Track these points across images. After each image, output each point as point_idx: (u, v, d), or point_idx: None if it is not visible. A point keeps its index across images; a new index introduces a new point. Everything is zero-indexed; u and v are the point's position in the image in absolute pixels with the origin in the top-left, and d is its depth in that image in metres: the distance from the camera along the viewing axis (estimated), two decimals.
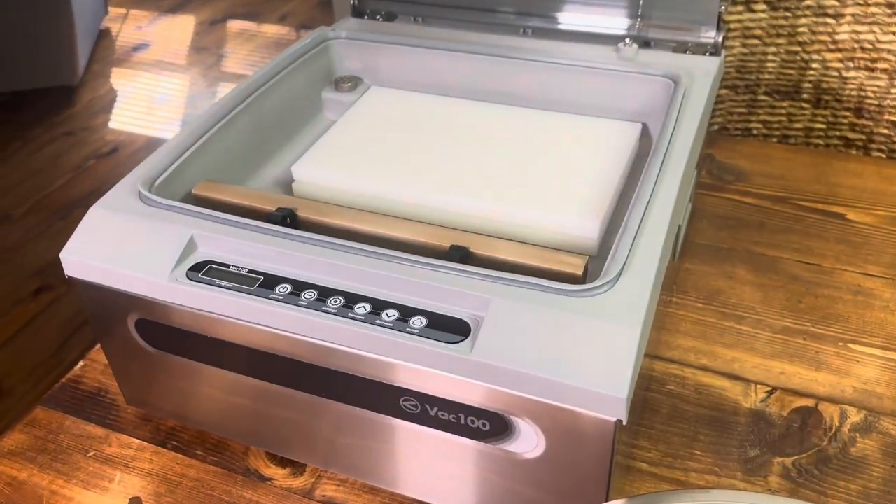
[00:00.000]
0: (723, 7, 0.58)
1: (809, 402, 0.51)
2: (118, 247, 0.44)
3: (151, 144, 2.06)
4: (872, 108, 0.84)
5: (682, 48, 0.61)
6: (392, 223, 0.45)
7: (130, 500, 0.47)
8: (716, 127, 0.92)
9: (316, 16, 2.67)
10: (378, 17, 0.69)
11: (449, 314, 0.39)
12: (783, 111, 0.88)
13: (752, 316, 0.57)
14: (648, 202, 0.43)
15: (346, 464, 0.47)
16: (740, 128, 0.91)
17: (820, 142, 0.89)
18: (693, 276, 0.61)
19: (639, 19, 0.62)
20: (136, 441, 0.51)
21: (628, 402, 0.35)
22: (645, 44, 0.62)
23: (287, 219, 0.46)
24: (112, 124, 2.15)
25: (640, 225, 0.41)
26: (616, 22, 0.62)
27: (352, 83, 0.63)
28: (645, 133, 0.57)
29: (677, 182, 0.45)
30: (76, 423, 0.52)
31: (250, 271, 0.42)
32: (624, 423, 0.36)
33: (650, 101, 0.56)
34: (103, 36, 2.61)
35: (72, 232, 0.45)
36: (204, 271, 0.42)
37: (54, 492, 0.48)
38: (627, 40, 0.61)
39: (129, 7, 2.82)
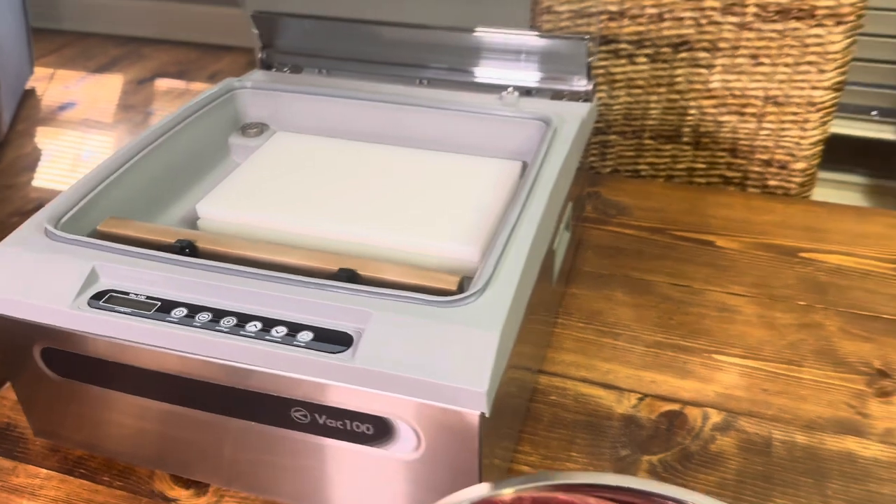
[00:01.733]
0: (590, 59, 0.65)
1: (676, 406, 0.56)
2: (24, 280, 0.47)
3: None
4: (745, 148, 0.93)
5: (558, 96, 0.67)
6: (286, 251, 0.50)
7: None
8: (608, 169, 1.00)
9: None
10: (285, 69, 0.74)
11: (333, 328, 0.43)
12: (667, 153, 0.97)
13: (627, 332, 0.63)
14: (514, 226, 0.48)
15: (245, 481, 0.49)
16: (630, 169, 0.99)
17: (702, 180, 0.97)
18: (577, 300, 0.66)
19: (520, 71, 0.68)
20: (44, 471, 0.52)
21: (489, 397, 0.40)
22: (526, 92, 0.68)
23: (186, 249, 0.49)
24: (36, 182, 2.13)
25: (504, 246, 0.46)
26: (500, 73, 0.69)
27: (258, 129, 0.68)
28: (525, 172, 0.63)
29: (541, 209, 0.50)
30: None
31: (148, 297, 0.45)
32: (487, 415, 0.40)
33: (527, 141, 0.62)
34: (29, 96, 2.60)
35: None
36: (104, 299, 0.45)
37: None
38: (510, 89, 0.67)
39: (56, 67, 2.82)
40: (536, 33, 0.66)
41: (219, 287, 0.45)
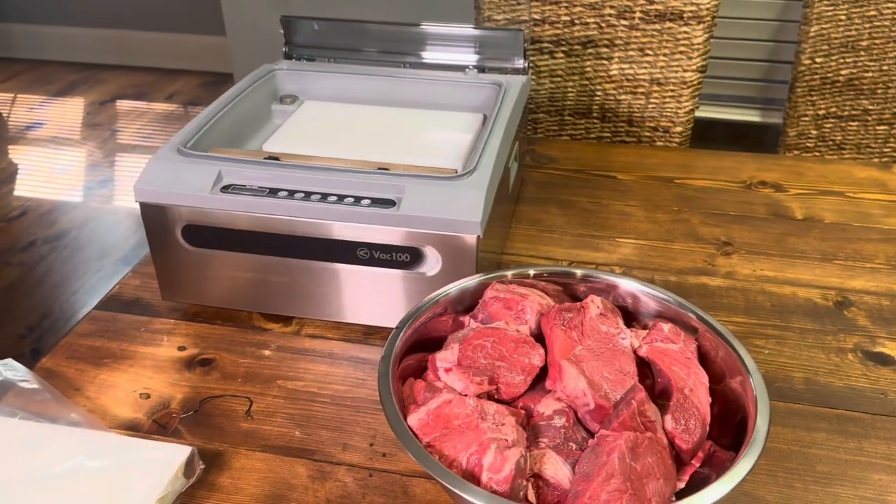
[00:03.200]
0: (525, 44, 0.94)
1: (592, 266, 0.85)
2: (170, 181, 0.72)
3: (59, 207, 2.23)
4: (638, 118, 1.24)
5: (504, 72, 0.96)
6: (338, 161, 0.76)
7: (178, 347, 0.73)
8: (539, 138, 1.29)
9: (202, 94, 2.94)
10: (302, 59, 1.01)
11: (382, 197, 0.70)
12: (581, 126, 1.27)
13: (559, 230, 0.91)
14: (486, 142, 0.76)
15: (319, 311, 0.75)
16: (554, 140, 1.29)
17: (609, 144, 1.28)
18: (524, 214, 0.95)
19: (476, 54, 0.97)
20: (172, 321, 0.77)
21: (482, 225, 0.67)
22: (481, 70, 0.97)
23: (275, 158, 0.75)
24: (16, 192, 2.30)
25: (481, 152, 0.74)
26: (461, 56, 0.97)
27: (291, 99, 0.94)
28: (486, 120, 0.91)
29: (500, 135, 0.78)
30: (124, 317, 0.77)
31: (259, 187, 0.71)
32: (481, 237, 0.67)
33: (486, 100, 0.91)
34: None
35: None
36: (230, 189, 0.71)
37: (123, 349, 0.73)
38: (470, 66, 0.96)
39: (17, 92, 2.97)
40: (489, 27, 0.95)
41: (304, 178, 0.71)
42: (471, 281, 0.65)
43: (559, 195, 0.99)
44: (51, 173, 2.41)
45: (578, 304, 0.61)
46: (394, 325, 0.66)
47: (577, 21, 1.20)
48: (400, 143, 0.84)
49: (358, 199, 0.70)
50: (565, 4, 1.19)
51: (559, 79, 1.25)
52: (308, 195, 0.70)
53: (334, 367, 0.71)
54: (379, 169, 0.74)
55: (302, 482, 0.59)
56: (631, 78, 1.21)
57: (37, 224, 2.14)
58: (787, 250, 0.88)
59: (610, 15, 1.18)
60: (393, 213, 0.68)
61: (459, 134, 0.85)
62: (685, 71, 1.19)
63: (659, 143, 1.24)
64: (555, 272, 0.66)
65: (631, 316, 0.64)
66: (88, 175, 2.41)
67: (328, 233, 0.70)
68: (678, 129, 1.23)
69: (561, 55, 1.23)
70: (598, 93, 1.24)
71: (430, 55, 0.99)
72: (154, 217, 0.73)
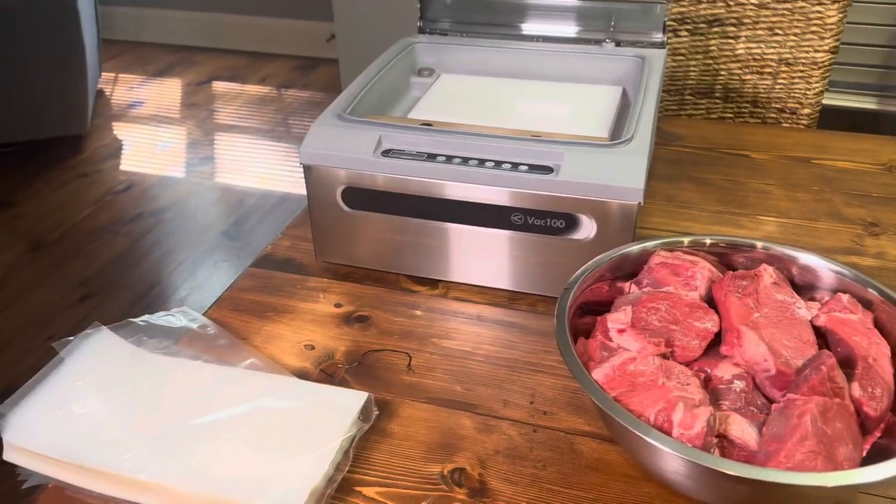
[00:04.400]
0: (665, 18, 0.94)
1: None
2: (333, 144, 0.74)
3: (163, 182, 2.32)
4: (764, 99, 1.22)
5: (641, 45, 0.96)
6: (492, 128, 0.77)
7: (334, 304, 0.76)
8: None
9: (294, 77, 3.01)
10: (436, 33, 1.02)
11: (540, 163, 0.71)
12: (703, 106, 1.25)
13: (696, 206, 0.91)
14: (639, 113, 0.76)
15: (464, 276, 0.77)
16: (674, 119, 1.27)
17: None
18: (658, 189, 0.94)
19: (612, 28, 0.97)
20: (325, 280, 0.79)
21: (644, 193, 0.67)
22: (617, 43, 0.96)
23: (429, 125, 0.77)
24: (122, 167, 2.40)
25: (636, 122, 0.74)
26: (599, 31, 0.97)
27: (429, 71, 0.96)
28: (625, 94, 0.91)
29: (651, 107, 0.78)
30: (280, 274, 0.80)
31: (418, 152, 0.73)
32: (642, 204, 0.68)
33: (626, 73, 0.91)
34: (100, 95, 2.87)
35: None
36: (390, 153, 0.73)
37: (283, 304, 0.76)
38: (607, 40, 0.96)
39: (118, 72, 3.10)
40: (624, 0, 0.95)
41: (461, 144, 0.72)
42: (634, 246, 0.66)
43: (691, 172, 0.98)
44: (153, 150, 2.51)
45: (752, 272, 0.61)
46: (538, 292, 0.66)
47: None
48: (543, 114, 0.84)
49: (515, 166, 0.71)
50: None
51: (682, 57, 1.23)
52: (466, 160, 0.72)
53: (484, 329, 0.73)
54: (532, 136, 0.75)
55: (469, 433, 0.61)
56: (758, 57, 1.19)
57: (142, 197, 2.23)
58: None
59: None
60: (552, 178, 0.69)
61: (601, 106, 0.85)
62: (816, 51, 1.16)
63: (786, 125, 1.22)
64: (733, 242, 0.66)
65: (799, 289, 0.64)
66: (189, 153, 2.49)
67: (485, 197, 0.72)
68: (806, 111, 1.20)
69: (685, 33, 1.21)
70: (723, 72, 1.22)
71: (564, 28, 0.99)
72: (317, 179, 0.76)
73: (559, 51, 0.94)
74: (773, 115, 1.22)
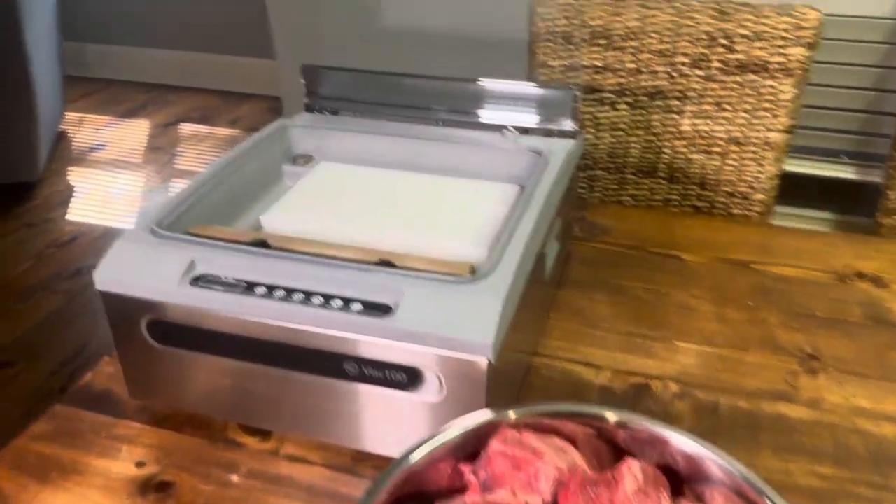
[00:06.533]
0: (576, 105, 0.81)
1: (642, 380, 0.70)
2: (137, 267, 0.61)
3: (109, 234, 2.21)
4: (712, 181, 1.08)
5: (549, 134, 0.83)
6: (337, 248, 0.64)
7: (136, 463, 0.62)
8: (595, 200, 1.15)
9: (266, 119, 2.90)
10: (325, 112, 0.90)
11: (377, 301, 0.57)
12: (646, 186, 1.12)
13: (605, 325, 0.77)
14: (513, 231, 0.63)
15: (302, 427, 0.63)
16: (613, 200, 1.14)
17: (676, 209, 1.12)
18: (566, 300, 0.81)
19: (521, 114, 0.84)
20: (138, 424, 0.66)
21: (494, 348, 0.54)
22: (524, 131, 0.83)
23: (261, 245, 0.64)
24: (70, 217, 2.29)
25: (505, 245, 0.61)
26: (502, 115, 0.84)
27: (305, 159, 0.83)
28: (523, 192, 0.78)
29: (533, 219, 0.65)
30: (90, 415, 0.67)
31: (236, 279, 0.60)
32: (493, 362, 0.54)
33: (524, 169, 0.77)
34: (61, 138, 2.78)
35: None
36: (202, 281, 0.60)
37: (75, 461, 0.62)
38: (510, 127, 0.83)
39: (88, 111, 3.01)
40: (533, 84, 0.82)
41: (288, 272, 0.59)
42: (474, 421, 0.52)
43: (609, 278, 0.84)
44: (106, 197, 2.40)
45: (609, 473, 0.47)
46: (388, 454, 0.53)
47: (644, 69, 1.05)
48: (419, 218, 0.71)
49: (347, 302, 0.57)
50: (631, 50, 1.04)
51: (621, 133, 1.10)
52: (289, 293, 0.58)
53: None
54: (381, 261, 0.61)
55: None
56: (705, 135, 1.06)
57: (86, 251, 2.11)
58: (889, 371, 0.71)
59: (683, 64, 1.03)
60: (387, 323, 0.56)
61: (490, 209, 0.72)
62: (769, 130, 1.02)
63: (736, 211, 1.08)
64: (581, 413, 0.52)
65: (681, 480, 0.50)
66: (144, 201, 2.38)
67: (309, 341, 0.58)
68: (759, 195, 1.06)
69: (624, 107, 1.08)
70: (667, 150, 1.08)
71: (467, 113, 0.86)
72: (117, 308, 0.63)
73: (455, 140, 0.81)
74: (723, 200, 1.08)
